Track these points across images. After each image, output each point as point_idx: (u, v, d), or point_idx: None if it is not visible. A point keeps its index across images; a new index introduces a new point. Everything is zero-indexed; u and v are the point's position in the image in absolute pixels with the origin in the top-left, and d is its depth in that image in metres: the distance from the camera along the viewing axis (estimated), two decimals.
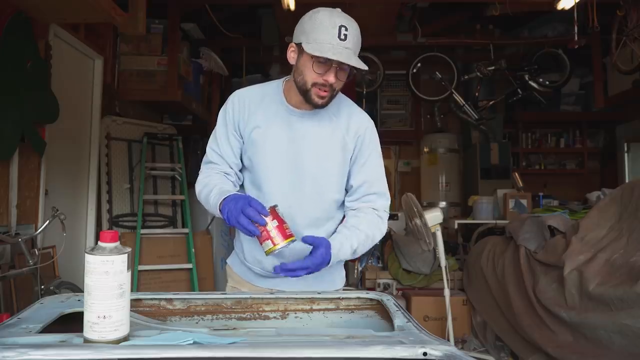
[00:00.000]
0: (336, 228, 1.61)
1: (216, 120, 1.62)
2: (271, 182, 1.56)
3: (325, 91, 1.46)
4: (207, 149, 1.63)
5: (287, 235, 1.34)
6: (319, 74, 1.44)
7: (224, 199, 1.40)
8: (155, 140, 4.70)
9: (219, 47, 5.75)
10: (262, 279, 1.64)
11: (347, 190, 1.64)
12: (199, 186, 1.58)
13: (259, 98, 1.58)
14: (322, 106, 1.50)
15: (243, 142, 1.59)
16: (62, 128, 3.49)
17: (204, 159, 1.65)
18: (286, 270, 1.37)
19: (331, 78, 1.43)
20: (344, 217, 1.65)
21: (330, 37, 1.39)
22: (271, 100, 1.57)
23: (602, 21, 4.30)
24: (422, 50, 5.77)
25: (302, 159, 1.55)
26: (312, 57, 1.41)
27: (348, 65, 1.42)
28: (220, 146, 1.59)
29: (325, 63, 1.42)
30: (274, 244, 1.32)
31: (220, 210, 1.42)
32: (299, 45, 1.46)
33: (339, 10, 1.46)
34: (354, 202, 1.61)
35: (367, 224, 1.56)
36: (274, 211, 1.35)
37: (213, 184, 1.52)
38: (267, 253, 1.34)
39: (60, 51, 3.48)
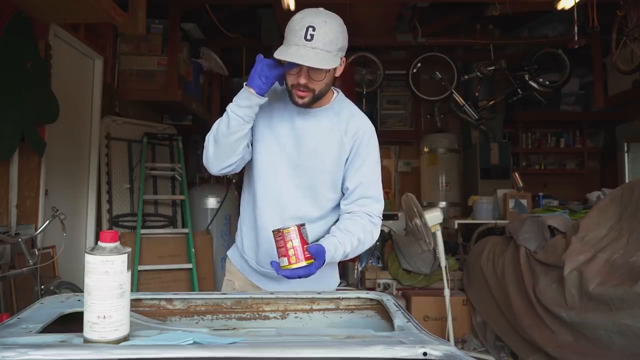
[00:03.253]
0: (328, 229, 1.62)
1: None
2: (269, 176, 1.60)
3: (302, 91, 1.48)
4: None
5: (306, 257, 1.36)
6: (292, 75, 1.47)
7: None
8: (155, 140, 4.70)
9: (219, 47, 5.75)
10: (257, 276, 1.67)
11: (343, 193, 1.65)
12: (208, 138, 1.54)
13: (269, 94, 1.59)
14: (304, 106, 1.53)
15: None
16: (62, 128, 3.49)
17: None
18: (281, 274, 1.40)
19: (302, 79, 1.46)
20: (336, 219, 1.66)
21: (297, 38, 1.42)
22: (277, 97, 1.60)
23: (602, 21, 4.29)
24: (422, 50, 5.77)
25: (299, 155, 1.58)
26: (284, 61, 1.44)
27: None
28: None
29: (295, 66, 1.44)
30: (290, 263, 1.35)
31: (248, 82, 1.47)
32: None
33: (319, 10, 1.47)
34: (349, 205, 1.61)
35: (361, 229, 1.56)
36: (299, 230, 1.36)
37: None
38: (283, 268, 1.37)
39: (60, 51, 3.48)
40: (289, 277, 1.39)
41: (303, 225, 1.38)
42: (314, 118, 1.59)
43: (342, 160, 1.60)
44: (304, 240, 1.36)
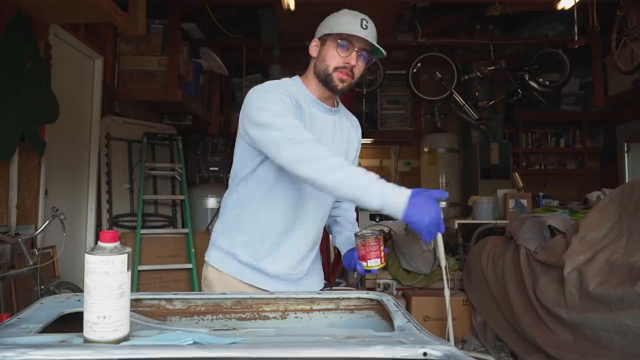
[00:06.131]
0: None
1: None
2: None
3: (346, 75, 1.56)
4: (275, 119, 1.43)
5: (385, 257, 1.56)
6: (342, 57, 1.55)
7: (412, 193, 1.26)
8: (155, 140, 4.70)
9: (219, 47, 5.75)
10: (262, 278, 1.62)
11: None
12: (315, 149, 1.38)
13: (295, 91, 1.60)
14: (342, 92, 1.60)
15: None
16: (62, 128, 3.49)
17: (278, 126, 1.43)
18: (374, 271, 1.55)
19: (353, 60, 1.55)
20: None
21: (353, 26, 1.53)
22: (303, 95, 1.61)
23: (602, 21, 4.29)
24: (422, 50, 5.77)
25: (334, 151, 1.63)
26: (338, 41, 1.54)
27: (367, 54, 1.56)
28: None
29: (349, 48, 1.54)
30: (382, 263, 1.53)
31: (407, 208, 1.24)
32: (322, 38, 1.59)
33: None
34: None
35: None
36: (382, 236, 1.56)
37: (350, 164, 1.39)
38: (368, 269, 1.53)
39: (60, 51, 3.48)
40: (365, 273, 1.56)
41: (382, 230, 1.61)
42: (335, 117, 1.68)
43: (354, 155, 1.75)
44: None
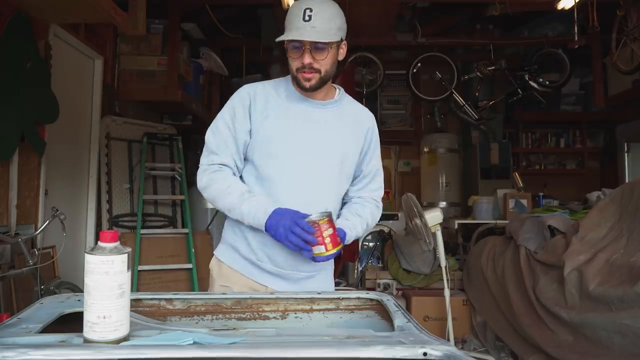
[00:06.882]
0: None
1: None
2: (289, 172, 1.58)
3: (309, 72, 1.54)
4: (210, 137, 1.61)
5: (337, 243, 1.46)
6: (296, 58, 1.54)
7: (271, 213, 1.48)
8: (155, 140, 4.70)
9: (219, 47, 5.75)
10: (267, 276, 1.62)
11: (354, 177, 1.73)
12: (211, 187, 1.58)
13: (272, 90, 1.63)
14: (312, 88, 1.57)
15: (250, 133, 1.60)
16: (62, 128, 3.50)
17: (205, 151, 1.63)
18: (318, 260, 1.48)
19: (306, 59, 1.52)
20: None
21: (296, 21, 1.49)
22: (285, 92, 1.63)
23: (602, 21, 4.30)
24: (422, 50, 5.77)
25: (318, 149, 1.61)
26: (288, 45, 1.54)
27: (322, 43, 1.50)
28: (233, 130, 1.59)
29: (297, 47, 1.52)
30: (327, 250, 1.44)
31: (266, 226, 1.49)
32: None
33: None
34: (360, 190, 1.73)
35: (370, 214, 1.70)
36: (330, 219, 1.45)
37: (233, 186, 1.56)
38: (316, 256, 1.45)
39: (60, 51, 3.48)
40: (320, 262, 1.49)
41: (330, 213, 1.46)
42: (327, 111, 1.63)
43: (358, 151, 1.69)
44: (334, 227, 1.46)
